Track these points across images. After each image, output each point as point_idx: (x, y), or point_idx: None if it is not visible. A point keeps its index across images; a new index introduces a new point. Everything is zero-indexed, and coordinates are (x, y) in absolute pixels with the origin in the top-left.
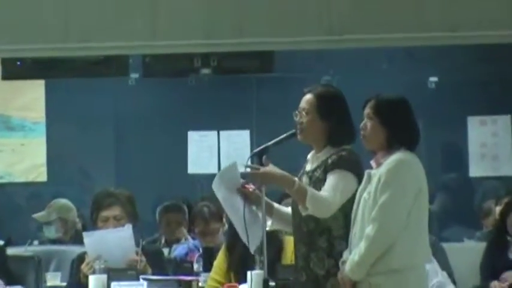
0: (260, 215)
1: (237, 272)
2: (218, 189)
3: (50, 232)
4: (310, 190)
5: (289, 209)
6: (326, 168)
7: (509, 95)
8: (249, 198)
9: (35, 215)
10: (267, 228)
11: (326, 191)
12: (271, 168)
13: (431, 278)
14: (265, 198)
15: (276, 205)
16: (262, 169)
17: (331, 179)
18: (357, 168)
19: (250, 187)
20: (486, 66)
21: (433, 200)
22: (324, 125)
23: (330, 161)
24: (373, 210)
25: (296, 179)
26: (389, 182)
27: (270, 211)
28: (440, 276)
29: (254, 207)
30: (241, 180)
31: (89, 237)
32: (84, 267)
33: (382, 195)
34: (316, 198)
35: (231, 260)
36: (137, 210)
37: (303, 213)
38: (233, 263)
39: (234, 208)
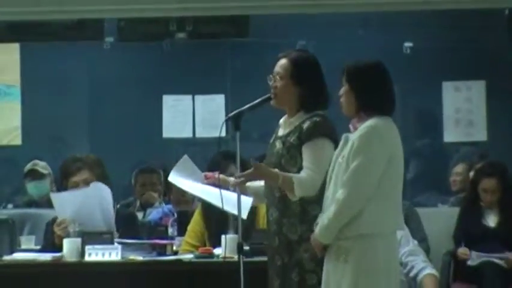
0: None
1: (211, 235)
2: (177, 181)
3: (42, 188)
4: (295, 177)
5: (261, 182)
6: (301, 135)
7: (483, 60)
8: (217, 184)
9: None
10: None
11: (308, 168)
12: (259, 167)
13: (403, 245)
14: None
15: (248, 183)
16: (252, 170)
17: (309, 152)
18: (332, 134)
19: (213, 175)
20: (461, 31)
21: (407, 166)
22: (297, 90)
23: (304, 127)
24: (344, 175)
25: (279, 172)
26: (360, 147)
27: (245, 190)
28: (412, 244)
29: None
30: (201, 173)
31: (57, 198)
32: (56, 228)
33: (353, 160)
34: (302, 183)
35: (205, 224)
36: (106, 172)
37: (293, 199)
38: (207, 227)
39: (199, 190)
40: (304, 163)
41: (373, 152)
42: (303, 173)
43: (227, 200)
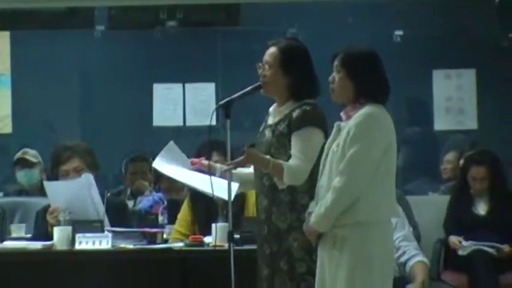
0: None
1: (201, 224)
2: (162, 167)
3: (32, 176)
4: (285, 164)
5: (249, 169)
6: (290, 124)
7: (474, 48)
8: (203, 170)
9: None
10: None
11: (297, 157)
12: (250, 154)
13: (398, 230)
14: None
15: (235, 171)
16: (244, 156)
17: (298, 141)
18: (322, 123)
19: (199, 161)
20: (451, 20)
21: (398, 154)
22: (286, 79)
23: (294, 115)
24: (341, 162)
25: (270, 158)
26: (358, 135)
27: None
28: (407, 229)
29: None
30: (188, 159)
31: (50, 187)
32: (48, 216)
33: (350, 148)
34: (292, 171)
35: (194, 212)
36: (97, 160)
37: (280, 187)
38: (197, 215)
39: (184, 176)
40: (292, 151)
41: (370, 140)
42: (291, 161)
43: (213, 186)
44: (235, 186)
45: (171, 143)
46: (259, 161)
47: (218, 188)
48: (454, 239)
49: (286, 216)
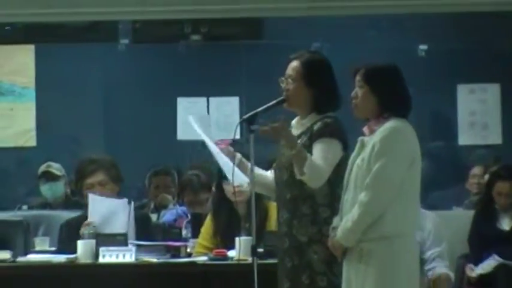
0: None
1: (223, 237)
2: (195, 125)
3: (56, 189)
4: (310, 157)
5: (269, 174)
6: (312, 136)
7: (498, 63)
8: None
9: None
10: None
11: (318, 159)
12: (281, 124)
13: (434, 243)
14: (243, 161)
15: (256, 169)
16: (273, 125)
17: (319, 149)
18: (342, 135)
19: (223, 144)
20: (476, 34)
21: (422, 168)
22: (309, 93)
23: (315, 128)
24: (366, 177)
25: (299, 142)
26: (383, 149)
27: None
28: (443, 247)
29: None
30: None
31: (93, 200)
32: (82, 229)
33: (376, 162)
34: (314, 166)
35: (217, 225)
36: (121, 174)
37: (297, 177)
38: (219, 228)
39: (213, 148)
40: (313, 158)
41: (396, 154)
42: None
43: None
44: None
45: (205, 114)
46: (288, 137)
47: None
48: (468, 270)
49: (307, 229)
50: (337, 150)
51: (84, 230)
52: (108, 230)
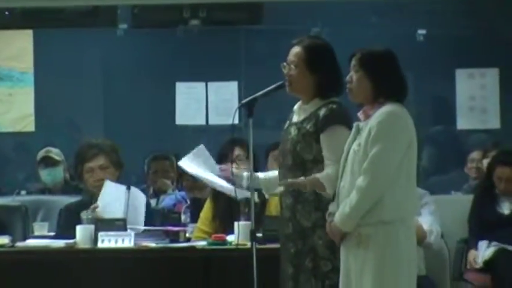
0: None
1: (222, 221)
2: (188, 166)
3: (56, 175)
4: (323, 177)
5: (274, 172)
6: (317, 123)
7: (497, 48)
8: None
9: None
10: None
11: (330, 160)
12: (286, 184)
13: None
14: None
15: (261, 175)
16: (284, 184)
17: (328, 142)
18: (348, 120)
19: (228, 168)
20: (475, 19)
21: (420, 153)
22: (312, 78)
23: (321, 114)
24: (363, 162)
25: (304, 179)
26: (380, 134)
27: (259, 183)
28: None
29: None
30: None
31: (108, 186)
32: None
33: (373, 147)
34: (330, 180)
35: (216, 209)
36: (121, 159)
37: (328, 197)
38: (218, 212)
39: (212, 178)
40: (325, 154)
41: (393, 138)
42: (327, 169)
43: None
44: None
45: (202, 146)
46: (294, 185)
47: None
48: (471, 258)
49: (310, 214)
50: (346, 137)
51: (88, 214)
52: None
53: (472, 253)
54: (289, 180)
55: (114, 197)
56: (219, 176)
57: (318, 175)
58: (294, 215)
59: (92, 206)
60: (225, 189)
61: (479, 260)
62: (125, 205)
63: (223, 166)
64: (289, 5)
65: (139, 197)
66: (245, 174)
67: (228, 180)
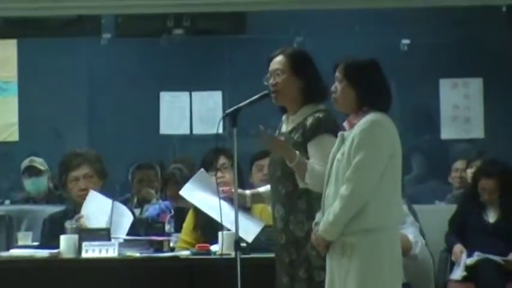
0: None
1: (203, 231)
2: (190, 195)
3: (40, 184)
4: (310, 165)
5: (266, 187)
6: (305, 132)
7: (481, 57)
8: (232, 198)
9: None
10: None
11: (318, 165)
12: (281, 141)
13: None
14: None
15: (254, 191)
16: (276, 138)
17: (315, 150)
18: (336, 128)
19: (229, 189)
20: (458, 28)
21: (405, 162)
22: (298, 83)
23: (308, 124)
24: (346, 170)
25: (298, 153)
26: (363, 142)
27: (253, 199)
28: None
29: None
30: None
31: (93, 196)
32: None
33: (356, 155)
34: (315, 173)
35: (197, 220)
36: (105, 168)
37: (300, 186)
38: (200, 223)
39: (213, 207)
40: (312, 161)
41: (376, 146)
42: (316, 165)
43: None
44: (259, 225)
45: (202, 171)
46: (286, 151)
47: (245, 228)
48: (458, 250)
49: (303, 224)
50: (333, 145)
51: (72, 224)
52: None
53: (457, 246)
54: (284, 141)
55: (98, 208)
56: (222, 198)
57: (308, 161)
58: (286, 226)
59: (77, 216)
60: (227, 223)
61: (461, 262)
62: (109, 218)
63: (224, 188)
64: (272, 14)
65: (125, 214)
66: (248, 192)
67: (229, 200)
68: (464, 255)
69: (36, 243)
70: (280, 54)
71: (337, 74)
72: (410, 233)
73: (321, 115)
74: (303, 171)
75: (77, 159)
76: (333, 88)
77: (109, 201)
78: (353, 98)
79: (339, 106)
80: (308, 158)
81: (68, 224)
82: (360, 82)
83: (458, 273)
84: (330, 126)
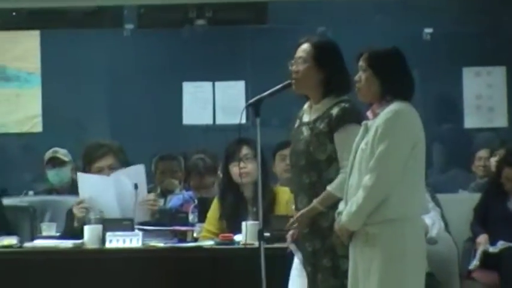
0: None
1: (229, 221)
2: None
3: (63, 175)
4: (332, 188)
5: None
6: (331, 122)
7: (504, 46)
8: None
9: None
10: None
11: (346, 160)
12: (299, 218)
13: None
14: None
15: None
16: (296, 217)
17: (342, 141)
18: (361, 119)
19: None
20: (481, 17)
21: (428, 151)
22: (320, 74)
23: (333, 113)
24: (370, 160)
25: (314, 203)
26: (386, 132)
27: None
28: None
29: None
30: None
31: (83, 179)
32: (74, 208)
33: (379, 145)
34: (338, 187)
35: (223, 209)
36: (128, 159)
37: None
38: (225, 212)
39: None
40: (340, 154)
41: (399, 136)
42: (342, 174)
43: None
44: None
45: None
46: (309, 216)
47: None
48: (479, 240)
49: (328, 214)
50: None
51: (75, 210)
52: (99, 206)
53: (481, 237)
54: (300, 215)
55: (95, 188)
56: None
57: (328, 188)
58: None
59: (76, 201)
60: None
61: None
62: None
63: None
64: (294, 4)
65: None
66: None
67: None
68: (481, 247)
69: (59, 234)
70: (306, 42)
71: (361, 63)
72: (428, 217)
73: (346, 105)
74: (332, 200)
75: (101, 149)
76: (356, 77)
77: (99, 177)
78: (377, 87)
79: (363, 96)
80: (333, 147)
81: (75, 210)
82: (384, 71)
83: (473, 263)
84: (356, 116)
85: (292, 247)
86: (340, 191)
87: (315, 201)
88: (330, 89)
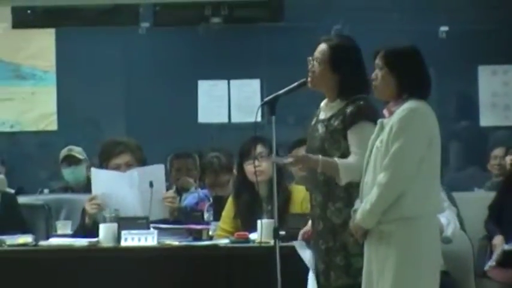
0: None
1: (244, 220)
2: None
3: (78, 173)
4: (341, 163)
5: None
6: (345, 120)
7: None
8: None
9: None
10: None
11: (355, 153)
12: (299, 156)
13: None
14: None
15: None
16: (297, 156)
17: (355, 137)
18: (376, 117)
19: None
20: (497, 15)
21: (443, 150)
22: (334, 77)
23: (348, 111)
24: (385, 158)
25: (320, 157)
26: (401, 130)
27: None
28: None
29: None
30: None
31: (96, 175)
32: (87, 204)
33: (394, 143)
34: (349, 168)
35: (238, 207)
36: (145, 157)
37: (340, 184)
38: (240, 211)
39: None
40: (351, 148)
41: (414, 134)
42: (350, 158)
43: None
44: None
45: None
46: (309, 163)
47: None
48: (496, 241)
49: (341, 211)
50: (373, 133)
51: (87, 206)
52: (113, 203)
53: (497, 238)
54: (302, 155)
55: (109, 184)
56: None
57: (338, 161)
58: (324, 213)
59: (89, 198)
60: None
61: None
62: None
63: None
64: (310, 2)
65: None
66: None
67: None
68: (498, 248)
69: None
70: (326, 42)
71: (378, 61)
72: (444, 216)
73: (361, 102)
74: (334, 170)
75: (118, 147)
76: (373, 75)
77: (114, 173)
78: (393, 85)
79: (379, 93)
80: (347, 145)
81: (87, 206)
82: (400, 69)
83: (488, 264)
84: (370, 114)
85: (298, 245)
86: (345, 172)
87: (321, 157)
88: (343, 91)
